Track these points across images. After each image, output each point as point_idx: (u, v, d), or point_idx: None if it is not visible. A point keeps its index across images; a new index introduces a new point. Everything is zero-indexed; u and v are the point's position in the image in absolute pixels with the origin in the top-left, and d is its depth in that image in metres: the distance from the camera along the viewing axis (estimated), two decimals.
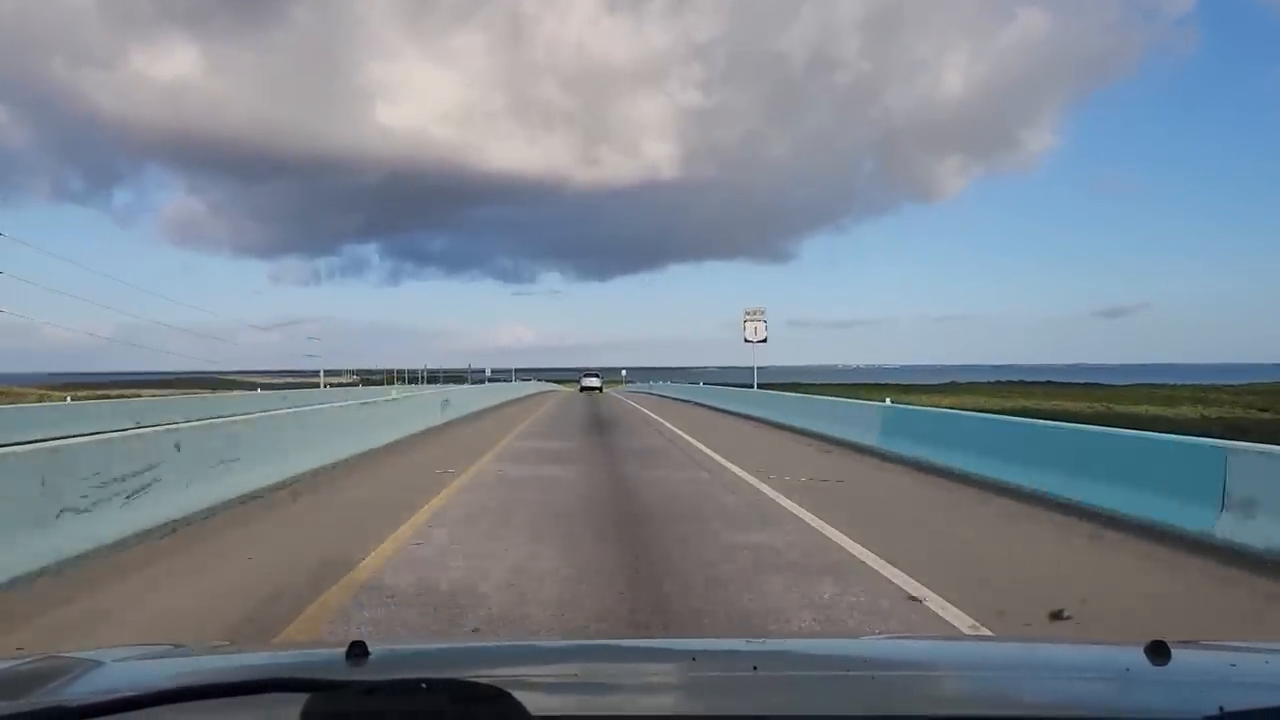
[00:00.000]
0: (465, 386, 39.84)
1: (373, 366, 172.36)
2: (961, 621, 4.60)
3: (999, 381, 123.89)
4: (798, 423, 18.41)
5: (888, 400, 17.58)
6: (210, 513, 7.39)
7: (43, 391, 59.63)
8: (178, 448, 7.19)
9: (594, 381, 58.24)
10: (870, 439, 13.65)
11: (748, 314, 27.21)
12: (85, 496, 5.90)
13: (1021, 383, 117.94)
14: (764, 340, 26.93)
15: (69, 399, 31.87)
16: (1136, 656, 1.24)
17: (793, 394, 23.60)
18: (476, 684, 0.96)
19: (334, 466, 10.80)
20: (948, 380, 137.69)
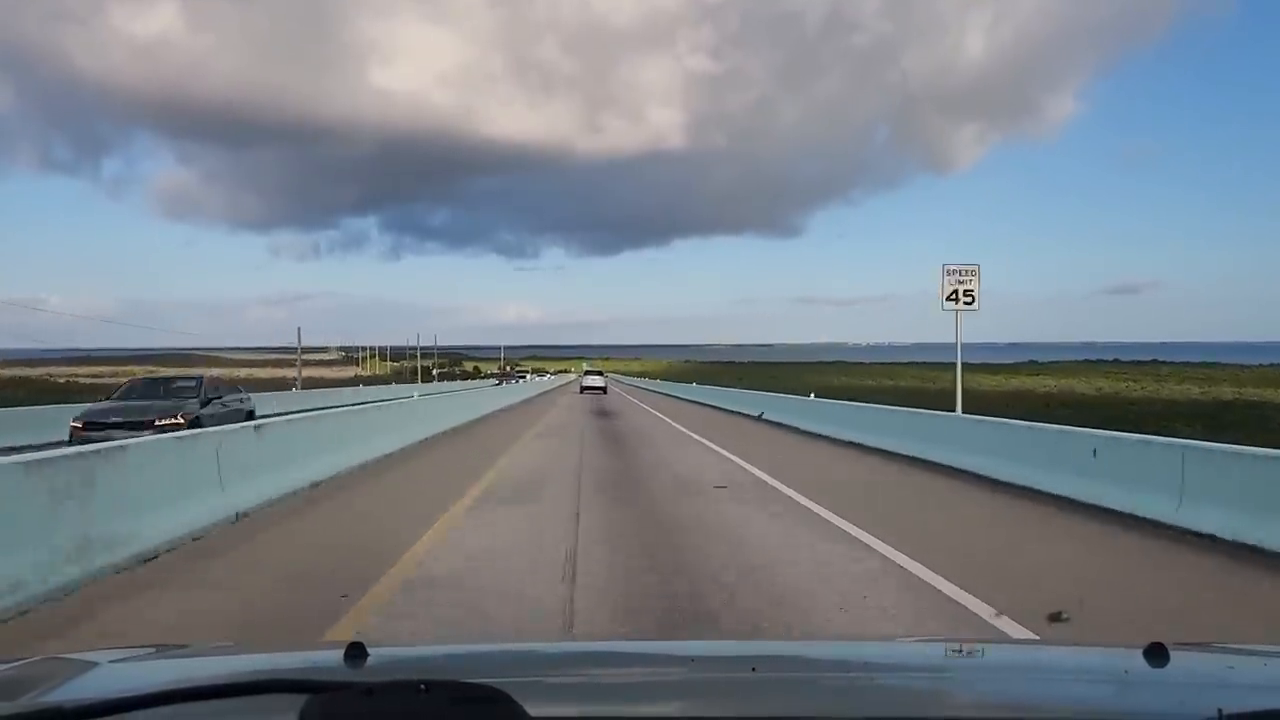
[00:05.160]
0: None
1: (366, 344, 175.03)
2: None
3: (1087, 361, 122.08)
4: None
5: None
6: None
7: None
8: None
9: (597, 380, 56.76)
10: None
11: (952, 272, 16.63)
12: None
13: (1117, 361, 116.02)
14: (972, 307, 16.52)
15: None
16: (1135, 659, 1.36)
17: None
18: (476, 686, 1.07)
19: None
20: (1025, 359, 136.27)
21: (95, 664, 1.44)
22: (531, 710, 1.00)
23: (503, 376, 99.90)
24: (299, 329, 53.27)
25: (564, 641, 3.38)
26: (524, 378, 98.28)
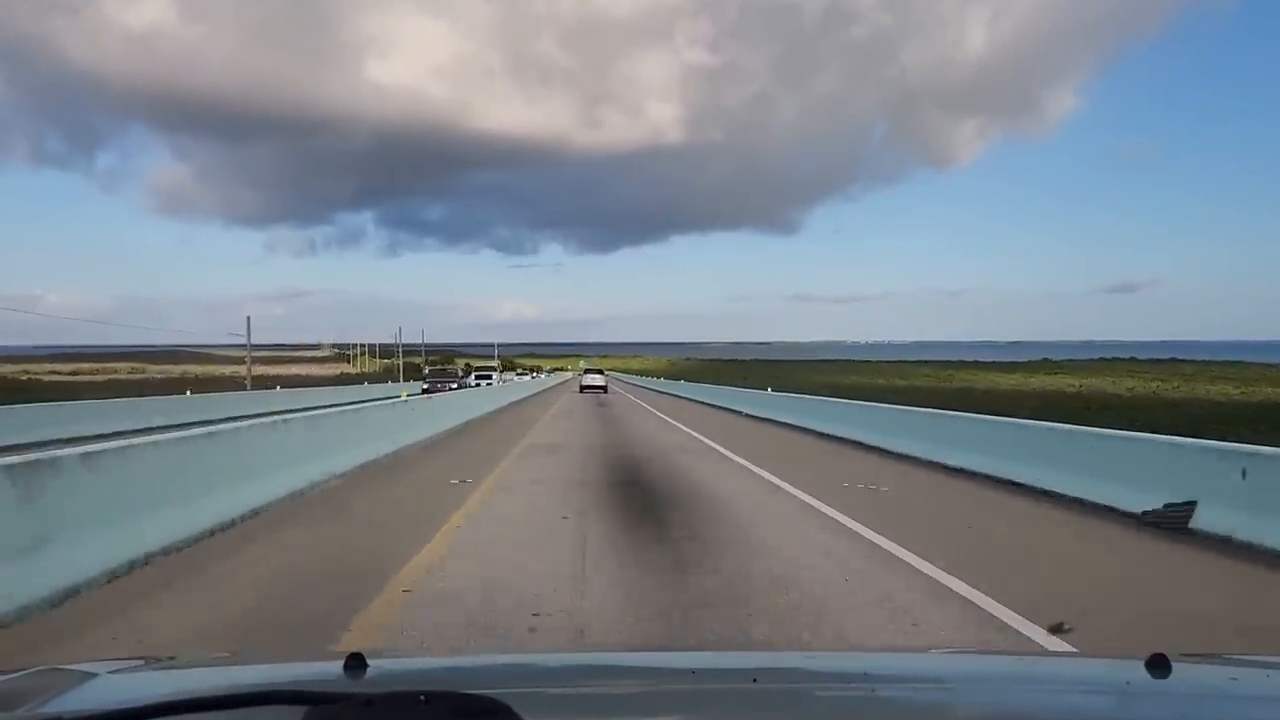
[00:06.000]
0: None
1: (362, 341, 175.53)
2: None
3: (1103, 359, 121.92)
4: None
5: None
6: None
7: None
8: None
9: (597, 379, 55.94)
10: None
11: None
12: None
13: (1134, 360, 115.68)
14: None
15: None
16: (1137, 670, 1.38)
17: None
18: (476, 697, 1.08)
19: None
20: (1026, 358, 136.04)
21: (93, 675, 1.45)
22: None
23: (436, 380, 56.98)
24: (248, 318, 50.37)
25: (565, 652, 3.39)
26: (489, 380, 58.11)
